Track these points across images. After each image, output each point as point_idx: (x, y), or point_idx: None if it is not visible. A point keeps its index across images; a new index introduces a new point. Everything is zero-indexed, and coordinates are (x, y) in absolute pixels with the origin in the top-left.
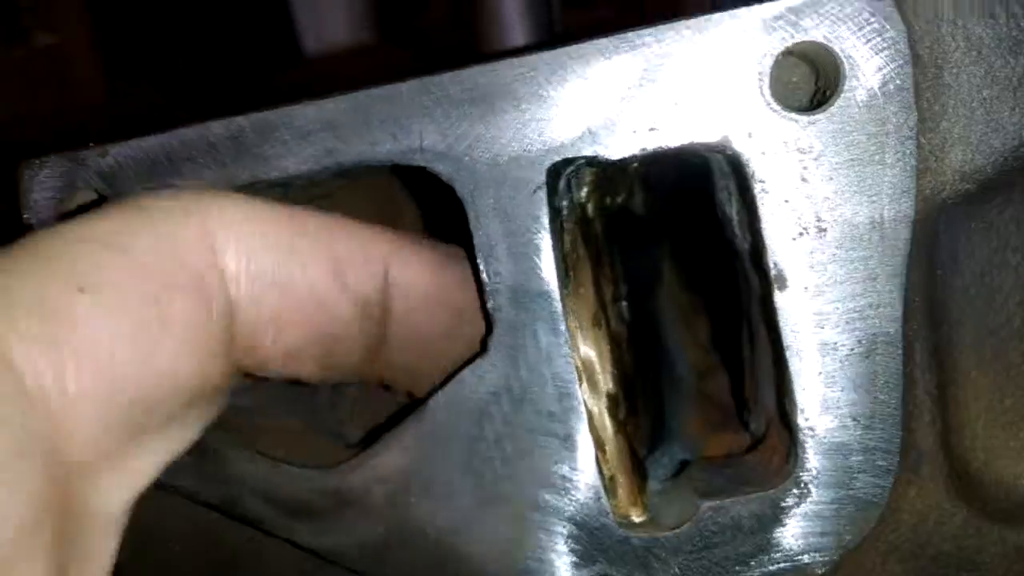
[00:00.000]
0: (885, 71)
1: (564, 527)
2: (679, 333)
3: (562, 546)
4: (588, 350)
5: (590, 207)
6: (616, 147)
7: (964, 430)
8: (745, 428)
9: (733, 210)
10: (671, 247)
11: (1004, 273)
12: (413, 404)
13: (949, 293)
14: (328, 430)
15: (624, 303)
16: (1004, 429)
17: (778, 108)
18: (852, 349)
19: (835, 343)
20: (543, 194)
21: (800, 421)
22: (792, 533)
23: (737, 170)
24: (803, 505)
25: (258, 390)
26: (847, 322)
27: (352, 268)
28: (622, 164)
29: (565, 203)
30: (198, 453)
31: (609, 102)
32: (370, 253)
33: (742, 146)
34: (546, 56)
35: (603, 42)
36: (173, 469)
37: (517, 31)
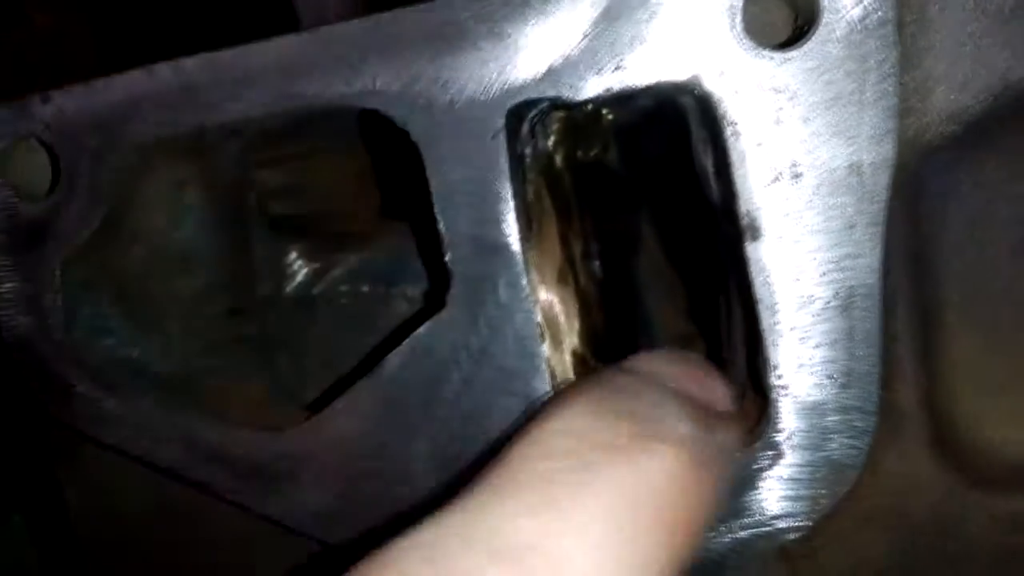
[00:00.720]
0: (866, 3)
1: None
2: (657, 298)
3: None
4: (552, 306)
5: (558, 158)
6: (580, 87)
7: (948, 392)
8: None
9: (708, 161)
10: (652, 209)
11: (994, 227)
12: (367, 364)
13: (935, 247)
14: (290, 393)
15: (596, 262)
16: (990, 393)
17: (751, 45)
18: (828, 302)
19: (810, 296)
20: (503, 139)
21: (773, 379)
22: (765, 497)
23: (707, 112)
24: (776, 468)
25: (221, 352)
26: (823, 274)
27: None
28: (588, 106)
29: (528, 150)
30: (137, 414)
31: (572, 40)
32: None
33: (713, 85)
34: None
35: None
36: (126, 432)
37: None
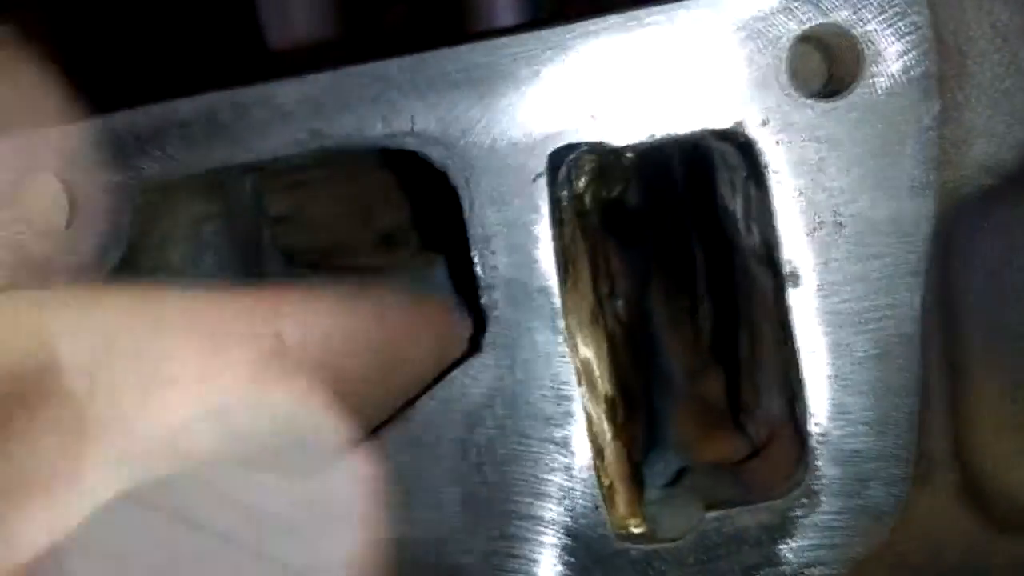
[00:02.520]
0: (907, 57)
1: (558, 538)
2: (669, 333)
3: (555, 558)
4: (587, 349)
5: (587, 198)
6: (622, 133)
7: (974, 437)
8: (740, 430)
9: (737, 204)
10: (670, 244)
11: (1016, 273)
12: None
13: (960, 294)
14: None
15: (620, 301)
16: (1012, 437)
17: (795, 94)
18: (867, 351)
19: (850, 344)
20: (544, 182)
21: (811, 427)
22: (799, 545)
23: (750, 159)
24: (813, 516)
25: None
26: (862, 322)
27: (230, 345)
28: (626, 151)
29: (565, 192)
30: None
31: (615, 85)
32: (251, 322)
33: (756, 133)
34: (548, 34)
35: (610, 19)
36: None
37: (507, 11)
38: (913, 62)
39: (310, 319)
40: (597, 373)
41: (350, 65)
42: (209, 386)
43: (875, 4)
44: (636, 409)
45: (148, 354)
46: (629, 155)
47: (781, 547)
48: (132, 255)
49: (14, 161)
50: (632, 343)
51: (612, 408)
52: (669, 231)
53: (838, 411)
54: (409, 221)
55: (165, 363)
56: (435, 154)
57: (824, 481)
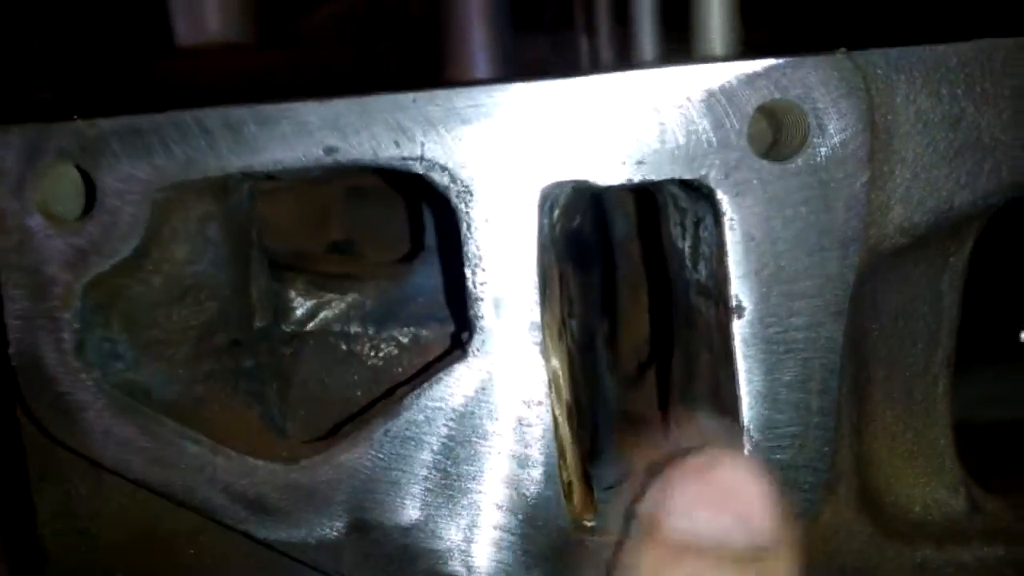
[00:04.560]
0: (846, 133)
1: (521, 528)
2: (610, 354)
3: (517, 546)
4: (555, 361)
5: (558, 228)
6: (605, 175)
7: (872, 456)
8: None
9: (686, 244)
10: (616, 272)
11: (913, 321)
12: (376, 400)
13: (868, 334)
14: (277, 426)
15: (575, 322)
16: (904, 459)
17: (752, 155)
18: (795, 376)
19: (781, 369)
20: (535, 212)
21: (744, 439)
22: None
23: (711, 206)
24: None
25: (221, 382)
26: (793, 351)
27: None
28: (603, 191)
29: (546, 221)
30: (152, 439)
31: (604, 133)
32: None
33: (719, 185)
34: (551, 85)
35: (606, 78)
36: (122, 453)
37: (481, 63)
38: (850, 137)
39: None
40: (562, 382)
41: (370, 94)
42: None
43: (825, 88)
44: (584, 421)
45: None
46: (588, 194)
47: None
48: (143, 247)
49: (37, 149)
50: (582, 362)
51: (571, 415)
52: (612, 261)
53: (767, 426)
54: (365, 233)
55: None
56: (439, 179)
57: None
